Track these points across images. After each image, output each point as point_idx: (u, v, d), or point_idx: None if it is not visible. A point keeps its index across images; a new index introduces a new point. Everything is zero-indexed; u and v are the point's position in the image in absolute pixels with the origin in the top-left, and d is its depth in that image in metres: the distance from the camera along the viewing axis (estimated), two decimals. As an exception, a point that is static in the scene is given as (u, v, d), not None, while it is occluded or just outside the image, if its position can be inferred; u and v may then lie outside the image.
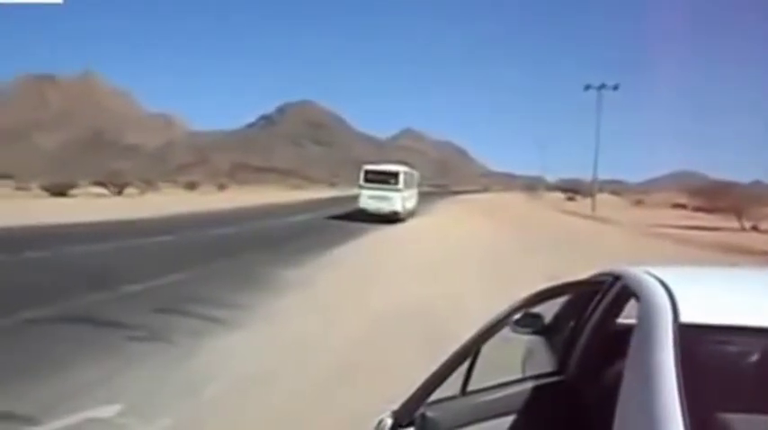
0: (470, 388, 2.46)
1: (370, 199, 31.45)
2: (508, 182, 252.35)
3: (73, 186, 48.91)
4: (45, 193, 45.65)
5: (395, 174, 32.18)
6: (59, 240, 16.89)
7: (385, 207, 31.24)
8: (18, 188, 56.63)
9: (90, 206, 33.31)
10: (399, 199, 31.69)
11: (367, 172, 32.30)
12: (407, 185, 33.80)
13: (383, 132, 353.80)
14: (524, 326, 3.15)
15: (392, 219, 31.15)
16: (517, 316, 2.78)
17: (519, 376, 3.02)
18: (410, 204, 35.71)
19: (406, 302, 10.07)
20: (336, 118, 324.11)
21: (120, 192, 50.90)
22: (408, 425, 2.26)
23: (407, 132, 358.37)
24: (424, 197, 69.85)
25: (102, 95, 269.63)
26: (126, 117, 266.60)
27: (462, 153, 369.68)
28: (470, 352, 2.46)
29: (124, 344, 7.02)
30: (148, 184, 62.62)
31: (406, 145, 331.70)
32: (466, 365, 2.45)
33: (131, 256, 14.90)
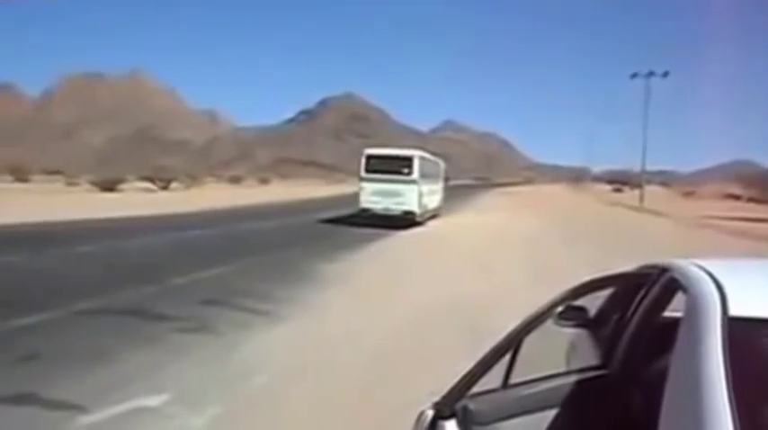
0: (511, 381, 2.43)
1: (375, 195, 23.95)
2: (553, 173, 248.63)
3: (121, 181, 50.23)
4: (94, 188, 47.02)
5: (408, 161, 24.29)
6: (109, 234, 17.39)
7: (395, 206, 23.78)
8: (68, 183, 58.54)
9: (137, 201, 34.17)
10: (415, 194, 24.04)
11: (370, 158, 24.48)
12: (426, 176, 26.01)
13: (425, 124, 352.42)
14: (568, 319, 3.09)
15: (404, 222, 23.56)
16: (560, 308, 2.73)
17: (562, 370, 2.97)
18: (432, 201, 28.30)
19: (440, 296, 10.02)
20: (378, 110, 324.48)
21: (166, 187, 52.09)
22: (450, 417, 2.24)
23: (450, 124, 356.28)
24: (464, 190, 69.51)
25: (149, 93, 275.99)
26: (172, 114, 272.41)
27: (506, 145, 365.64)
28: (512, 344, 2.43)
29: (171, 336, 7.15)
30: (193, 179, 63.92)
31: (448, 137, 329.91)
32: (507, 358, 2.42)
33: (177, 250, 15.23)
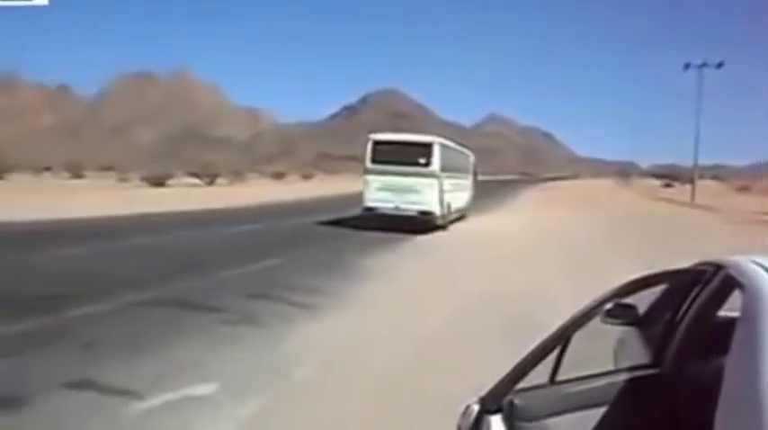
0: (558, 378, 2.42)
1: (384, 191, 19.47)
2: (598, 168, 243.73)
3: (169, 177, 51.46)
4: (144, 184, 48.25)
5: (425, 149, 19.75)
6: (159, 228, 17.85)
7: (409, 205, 19.24)
8: (120, 179, 60.22)
9: (185, 196, 34.91)
10: (434, 191, 19.52)
11: (378, 145, 20.00)
12: (449, 168, 21.39)
13: (468, 119, 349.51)
14: (616, 316, 3.05)
15: (421, 226, 19.21)
16: (608, 306, 2.70)
17: (611, 368, 2.94)
18: (457, 200, 23.53)
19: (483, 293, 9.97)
20: (419, 106, 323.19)
21: (211, 183, 53.10)
22: (496, 411, 2.25)
23: (492, 118, 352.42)
24: (504, 186, 68.37)
25: (196, 91, 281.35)
26: (217, 111, 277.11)
27: (549, 138, 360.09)
28: (560, 340, 2.41)
29: (219, 327, 7.34)
30: (237, 175, 64.97)
31: (490, 131, 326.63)
32: (554, 354, 2.41)
33: (223, 244, 15.54)
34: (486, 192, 41.03)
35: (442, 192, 20.10)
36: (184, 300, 8.58)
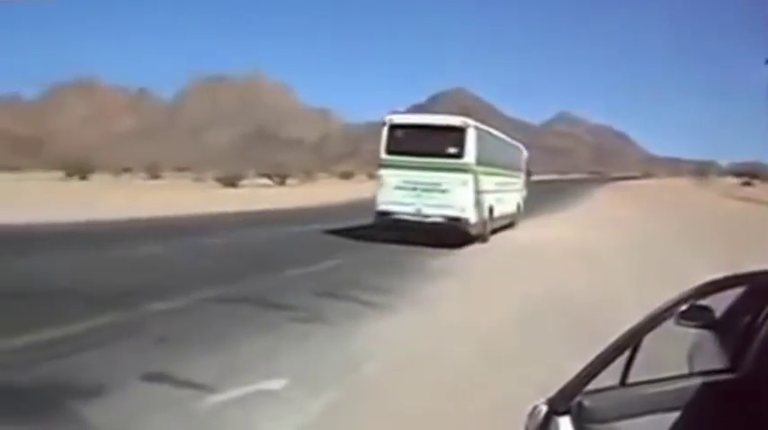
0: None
1: (401, 190, 15.53)
2: (673, 167, 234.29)
3: (241, 178, 52.89)
4: (218, 184, 49.80)
5: (456, 134, 15.58)
6: (231, 227, 18.38)
7: (433, 209, 15.24)
8: (195, 180, 62.40)
9: (256, 196, 35.79)
10: (467, 189, 15.37)
11: (395, 129, 16.12)
12: (490, 161, 17.23)
13: (537, 117, 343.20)
14: (691, 319, 2.93)
15: (450, 236, 15.47)
16: (683, 307, 2.60)
17: (685, 371, 2.83)
18: (503, 203, 19.14)
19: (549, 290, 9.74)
20: (488, 104, 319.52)
21: (282, 183, 54.26)
22: (564, 413, 2.20)
23: (562, 116, 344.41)
24: (572, 186, 66.30)
25: (268, 93, 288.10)
26: (288, 112, 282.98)
27: (622, 137, 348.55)
28: (631, 342, 2.34)
29: (287, 324, 7.47)
30: (307, 175, 66.15)
31: (560, 130, 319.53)
32: (625, 356, 2.34)
33: (291, 243, 15.85)
34: (550, 193, 40.16)
35: (478, 191, 15.85)
36: (254, 297, 8.79)
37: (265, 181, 55.31)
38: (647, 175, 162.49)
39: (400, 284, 10.39)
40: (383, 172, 15.95)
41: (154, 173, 73.13)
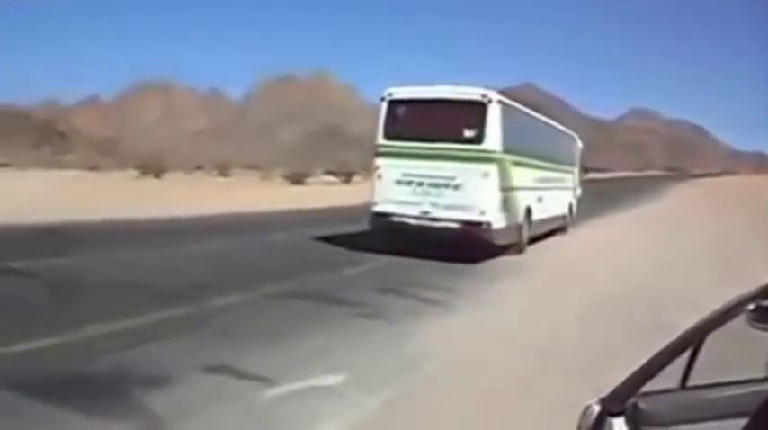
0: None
1: (403, 185, 12.34)
2: (759, 163, 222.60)
3: (308, 175, 53.77)
4: (286, 182, 50.77)
5: (475, 111, 12.18)
6: (295, 224, 18.68)
7: (444, 211, 11.96)
8: (263, 178, 63.87)
9: (321, 193, 36.31)
10: (490, 184, 12.01)
11: (395, 105, 12.88)
12: (526, 149, 14.02)
13: (610, 113, 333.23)
14: (763, 319, 2.74)
15: (467, 248, 12.17)
16: (752, 306, 2.42)
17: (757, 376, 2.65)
18: (548, 203, 15.94)
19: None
20: (558, 100, 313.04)
21: (347, 181, 54.75)
22: (618, 414, 2.10)
23: (636, 111, 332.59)
24: (642, 183, 63.38)
25: (334, 92, 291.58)
26: (354, 110, 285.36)
27: (700, 131, 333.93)
28: (692, 342, 2.20)
29: (347, 320, 7.52)
30: (372, 172, 66.46)
31: (634, 125, 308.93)
32: (685, 356, 2.20)
33: (353, 240, 15.94)
34: (617, 192, 38.60)
35: (506, 188, 12.50)
36: (316, 292, 8.87)
37: (331, 178, 56.01)
38: (728, 172, 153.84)
39: (465, 284, 10.28)
40: (380, 161, 12.71)
41: (224, 171, 75.31)
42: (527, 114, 15.07)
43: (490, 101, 12.10)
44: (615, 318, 7.67)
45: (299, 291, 8.96)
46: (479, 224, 11.80)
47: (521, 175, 13.58)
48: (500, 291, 9.92)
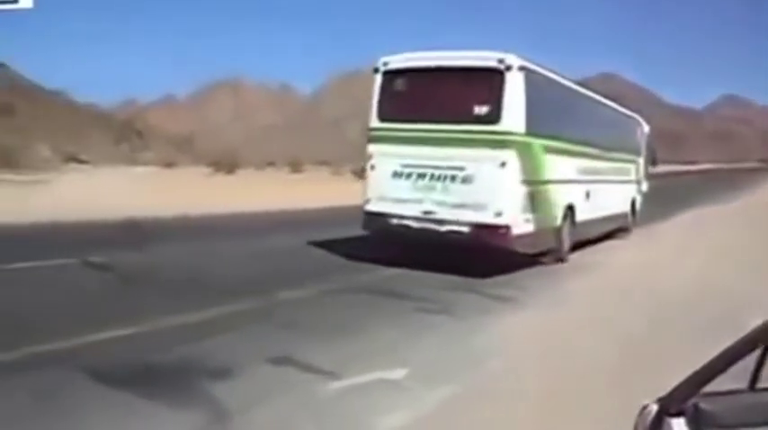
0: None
1: (401, 179, 9.91)
2: None
3: (375, 170, 53.97)
4: (354, 177, 51.22)
5: (489, 80, 9.46)
6: (359, 219, 18.71)
7: (451, 210, 9.47)
8: (333, 173, 64.73)
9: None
10: (508, 176, 9.35)
11: (391, 77, 10.31)
12: (556, 131, 10.96)
13: (698, 101, 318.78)
14: None
15: (481, 257, 9.89)
16: None
17: None
18: (599, 201, 13.13)
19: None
20: (640, 89, 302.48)
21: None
22: (677, 414, 1.96)
23: (728, 99, 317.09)
24: (742, 175, 59.07)
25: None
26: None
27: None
28: (760, 341, 2.02)
29: (413, 316, 7.45)
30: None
31: (726, 114, 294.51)
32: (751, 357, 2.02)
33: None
34: (699, 186, 36.41)
35: (533, 181, 10.04)
36: (380, 287, 8.82)
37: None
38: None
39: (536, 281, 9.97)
40: (374, 148, 10.39)
41: (295, 167, 76.65)
42: (566, 87, 12.00)
43: (509, 67, 9.36)
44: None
45: (366, 285, 8.93)
46: (495, 227, 9.31)
47: (557, 165, 11.03)
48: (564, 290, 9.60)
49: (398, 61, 10.40)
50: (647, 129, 18.36)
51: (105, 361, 5.19)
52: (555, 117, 10.84)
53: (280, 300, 7.89)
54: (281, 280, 8.96)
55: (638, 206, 17.34)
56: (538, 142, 10.18)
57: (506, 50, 9.68)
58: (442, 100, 10.01)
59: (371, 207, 10.29)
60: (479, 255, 10.04)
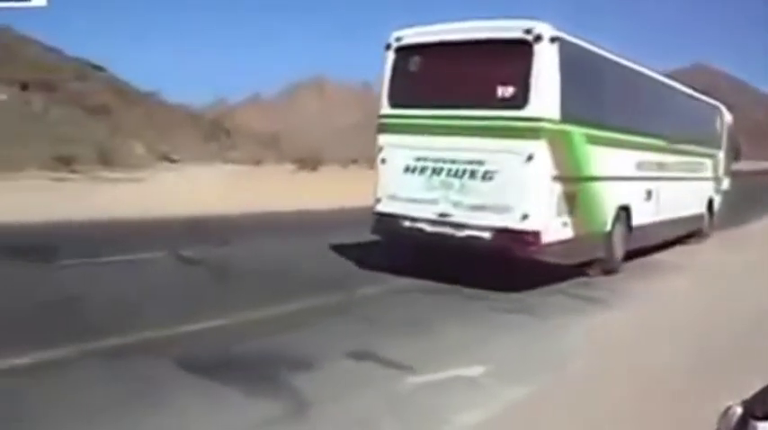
0: None
1: (414, 175, 8.48)
2: None
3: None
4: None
5: (514, 55, 7.81)
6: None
7: (469, 213, 8.04)
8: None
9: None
10: (538, 172, 7.69)
11: (404, 54, 8.77)
12: (602, 117, 9.06)
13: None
14: None
15: (507, 267, 8.62)
16: None
17: None
18: (664, 200, 11.30)
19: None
20: (733, 79, 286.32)
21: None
22: (763, 418, 1.90)
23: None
24: None
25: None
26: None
27: None
28: None
29: (491, 315, 7.38)
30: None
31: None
32: None
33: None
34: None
35: (572, 178, 8.43)
36: (454, 286, 8.64)
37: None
38: None
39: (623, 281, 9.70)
40: (384, 139, 9.02)
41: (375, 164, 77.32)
42: (616, 64, 9.85)
43: (538, 37, 7.68)
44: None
45: (433, 284, 8.77)
46: (520, 233, 7.78)
47: (606, 158, 9.24)
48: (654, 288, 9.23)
49: (414, 36, 8.91)
50: (729, 119, 16.03)
51: (194, 351, 5.43)
52: (602, 100, 9.17)
53: (362, 295, 7.99)
54: (362, 276, 9.09)
55: (716, 207, 15.29)
56: (578, 131, 8.42)
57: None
58: (462, 80, 8.44)
59: (381, 207, 8.98)
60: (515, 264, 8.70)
